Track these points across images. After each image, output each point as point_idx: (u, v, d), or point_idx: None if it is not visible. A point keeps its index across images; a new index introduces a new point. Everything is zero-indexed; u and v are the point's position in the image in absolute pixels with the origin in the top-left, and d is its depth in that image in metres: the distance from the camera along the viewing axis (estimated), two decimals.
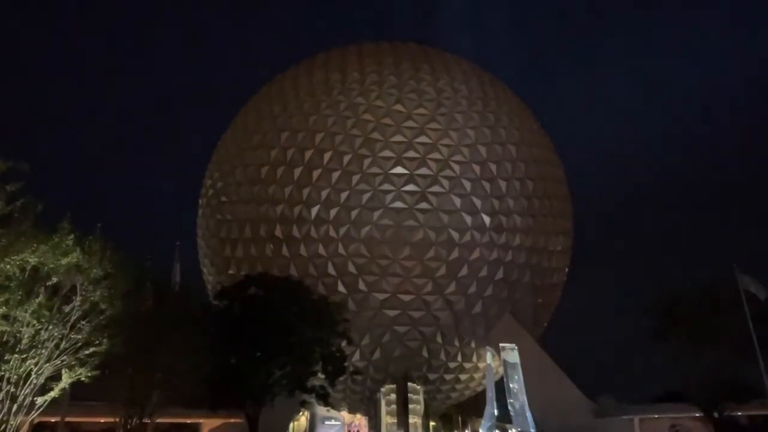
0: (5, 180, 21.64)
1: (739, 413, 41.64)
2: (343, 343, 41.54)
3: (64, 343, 23.14)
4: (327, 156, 52.43)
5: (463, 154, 53.27)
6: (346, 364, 41.99)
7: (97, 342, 24.04)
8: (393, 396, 54.70)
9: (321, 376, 40.09)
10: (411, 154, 52.22)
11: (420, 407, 55.05)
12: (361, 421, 65.74)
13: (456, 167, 52.58)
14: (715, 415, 39.81)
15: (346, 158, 52.11)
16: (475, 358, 55.43)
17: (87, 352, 23.76)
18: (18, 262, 21.33)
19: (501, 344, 52.88)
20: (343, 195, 51.28)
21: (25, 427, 25.39)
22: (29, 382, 22.07)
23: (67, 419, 31.30)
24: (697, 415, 42.50)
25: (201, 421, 49.08)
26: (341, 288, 50.83)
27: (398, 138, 52.70)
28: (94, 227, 26.25)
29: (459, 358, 54.66)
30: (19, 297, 21.43)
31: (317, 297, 42.46)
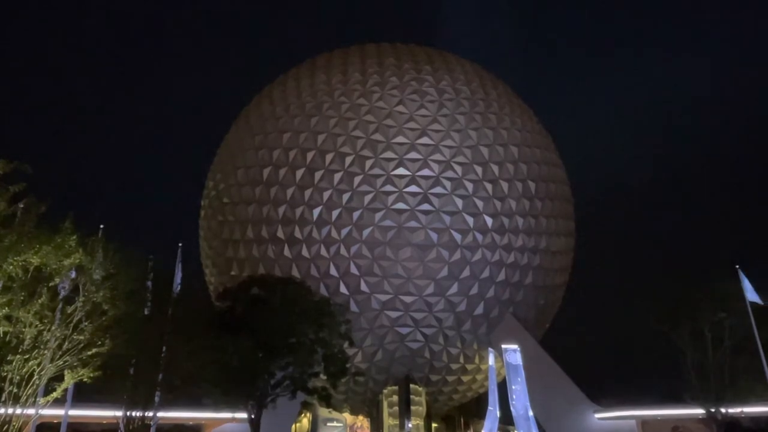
0: (8, 181, 21.71)
1: (743, 414, 41.37)
2: (345, 345, 41.54)
3: (66, 343, 23.19)
4: (329, 157, 52.49)
5: (465, 155, 53.31)
6: (348, 365, 41.96)
7: (100, 343, 24.08)
8: (395, 397, 54.73)
9: (323, 377, 40.13)
10: (413, 155, 52.28)
11: (422, 408, 54.97)
12: (363, 422, 65.67)
13: (458, 168, 52.63)
14: (718, 416, 39.69)
15: (348, 159, 52.18)
16: (477, 360, 55.43)
17: (89, 352, 23.80)
18: (20, 263, 21.38)
19: (503, 345, 52.89)
20: (345, 196, 51.34)
21: (28, 427, 25.40)
22: (32, 382, 22.11)
23: (70, 419, 31.26)
24: (700, 416, 42.32)
25: (203, 421, 48.98)
26: (343, 289, 50.89)
27: (400, 139, 52.77)
28: (97, 228, 26.37)
29: (461, 360, 54.66)
30: (22, 298, 21.47)
31: (319, 298, 42.49)
